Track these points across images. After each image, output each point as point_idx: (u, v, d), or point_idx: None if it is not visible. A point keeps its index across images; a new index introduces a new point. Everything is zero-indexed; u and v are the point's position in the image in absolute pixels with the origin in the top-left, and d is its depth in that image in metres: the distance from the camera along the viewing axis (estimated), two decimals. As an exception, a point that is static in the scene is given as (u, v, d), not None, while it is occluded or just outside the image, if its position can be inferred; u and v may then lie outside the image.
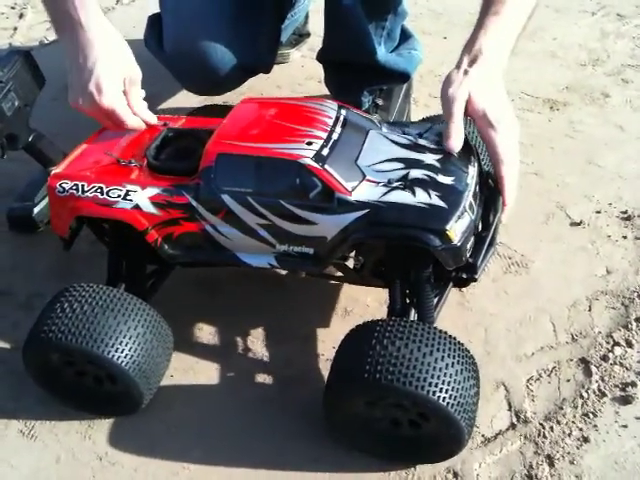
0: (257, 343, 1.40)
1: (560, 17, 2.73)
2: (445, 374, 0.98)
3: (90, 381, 1.16)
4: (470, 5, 1.52)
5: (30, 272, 1.58)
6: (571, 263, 1.62)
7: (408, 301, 1.17)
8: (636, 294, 1.54)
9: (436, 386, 0.96)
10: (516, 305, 1.49)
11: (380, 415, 1.07)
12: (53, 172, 1.24)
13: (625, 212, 1.76)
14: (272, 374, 1.34)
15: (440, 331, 1.06)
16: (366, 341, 1.02)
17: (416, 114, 2.01)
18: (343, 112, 1.23)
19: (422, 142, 1.23)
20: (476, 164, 1.21)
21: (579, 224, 1.73)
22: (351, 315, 1.44)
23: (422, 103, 2.20)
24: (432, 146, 1.22)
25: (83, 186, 1.19)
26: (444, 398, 0.97)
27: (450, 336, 1.07)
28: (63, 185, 1.21)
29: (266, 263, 1.19)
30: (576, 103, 2.19)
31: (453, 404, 0.98)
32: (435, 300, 1.17)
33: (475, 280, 1.16)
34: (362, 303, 1.47)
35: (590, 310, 1.51)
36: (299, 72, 2.35)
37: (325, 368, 1.31)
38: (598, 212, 1.77)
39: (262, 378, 1.34)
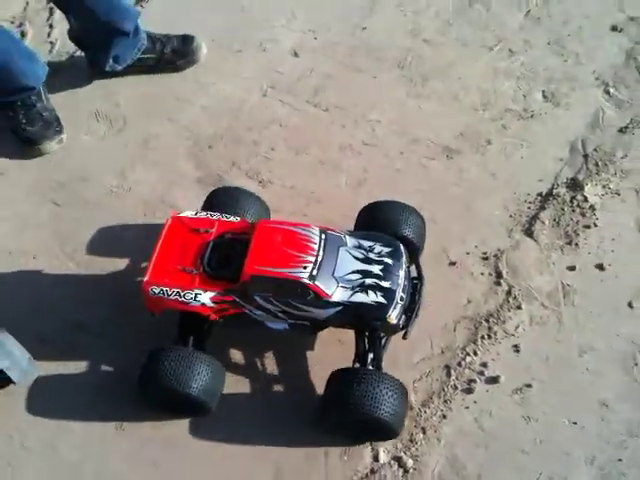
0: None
1: (465, 52, 3.53)
2: (389, 402, 2.03)
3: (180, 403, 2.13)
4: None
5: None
6: (445, 295, 2.62)
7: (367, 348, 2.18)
8: (484, 318, 2.58)
9: (384, 409, 2.01)
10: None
11: (352, 426, 2.12)
12: (145, 279, 2.14)
13: (485, 253, 2.77)
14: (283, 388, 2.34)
15: (385, 374, 2.11)
16: (343, 383, 2.08)
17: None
18: (323, 236, 2.14)
19: (371, 255, 2.19)
20: (405, 268, 2.18)
21: (454, 264, 2.72)
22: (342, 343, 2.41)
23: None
24: (377, 259, 2.19)
25: (167, 291, 2.12)
26: (389, 416, 2.02)
27: (391, 376, 2.12)
28: (154, 290, 2.13)
29: (282, 328, 2.21)
30: (466, 151, 3.10)
31: (394, 419, 2.04)
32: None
33: (406, 339, 2.25)
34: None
35: (455, 330, 2.55)
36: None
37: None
38: (467, 253, 2.77)
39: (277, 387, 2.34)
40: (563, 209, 2.91)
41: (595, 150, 3.12)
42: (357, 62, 3.32)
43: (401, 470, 2.24)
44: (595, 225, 2.86)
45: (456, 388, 2.42)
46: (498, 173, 3.05)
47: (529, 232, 2.83)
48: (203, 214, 2.39)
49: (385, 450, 2.27)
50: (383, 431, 2.19)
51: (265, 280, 2.09)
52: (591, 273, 2.74)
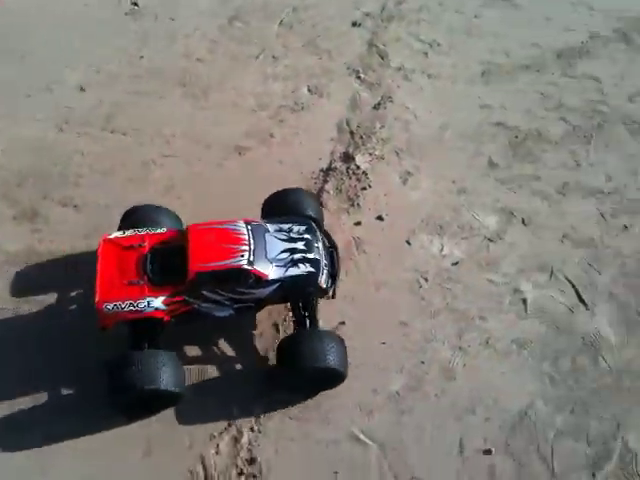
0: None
1: (235, 64, 4.03)
2: (335, 351, 2.66)
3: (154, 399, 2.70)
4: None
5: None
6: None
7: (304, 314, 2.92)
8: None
9: (332, 358, 2.69)
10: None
11: (305, 382, 2.84)
12: (97, 299, 2.53)
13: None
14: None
15: (324, 330, 2.74)
16: (293, 343, 2.80)
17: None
18: (249, 227, 2.68)
19: (292, 235, 2.72)
20: (321, 240, 2.77)
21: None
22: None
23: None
24: (297, 236, 2.73)
25: (120, 305, 2.62)
26: (338, 363, 2.71)
27: (328, 331, 2.76)
28: (107, 306, 2.66)
29: (228, 314, 2.87)
30: (254, 147, 3.59)
31: (343, 365, 2.78)
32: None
33: (334, 298, 2.86)
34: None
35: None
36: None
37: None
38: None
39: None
40: (342, 178, 3.49)
41: (358, 126, 3.76)
42: (142, 87, 3.67)
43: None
44: (370, 186, 3.47)
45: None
46: (284, 160, 3.57)
47: (320, 203, 3.35)
48: (130, 231, 2.72)
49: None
50: (334, 379, 2.72)
51: (210, 274, 2.62)
52: (373, 224, 3.34)
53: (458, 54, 4.21)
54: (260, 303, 2.78)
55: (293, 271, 2.69)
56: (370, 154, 3.65)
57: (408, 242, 3.30)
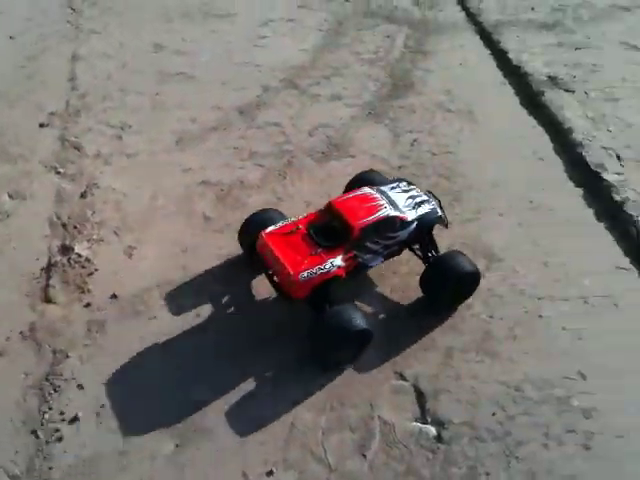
0: None
1: None
2: (467, 259, 3.43)
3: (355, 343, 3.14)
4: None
5: None
6: None
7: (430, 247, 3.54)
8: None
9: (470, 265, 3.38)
10: None
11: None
12: (292, 272, 3.06)
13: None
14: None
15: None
16: (442, 261, 3.44)
17: None
18: (375, 189, 3.43)
19: (403, 188, 3.54)
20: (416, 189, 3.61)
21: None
22: None
23: None
24: (406, 188, 3.55)
25: (312, 271, 3.12)
26: (474, 266, 3.37)
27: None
28: (303, 275, 3.09)
29: (380, 261, 3.41)
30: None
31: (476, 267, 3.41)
32: None
33: (447, 227, 3.59)
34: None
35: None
36: None
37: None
38: (8, 339, 3.09)
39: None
40: (65, 270, 3.47)
41: (69, 218, 3.78)
42: None
43: None
44: (96, 270, 3.49)
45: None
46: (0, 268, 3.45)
47: (49, 299, 3.30)
48: (280, 223, 3.29)
49: None
50: (476, 281, 3.32)
51: (369, 227, 3.23)
52: (108, 303, 3.35)
53: (150, 130, 4.47)
54: (402, 246, 3.41)
55: (421, 210, 3.40)
56: (88, 240, 3.69)
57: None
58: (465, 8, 5.52)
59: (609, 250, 3.73)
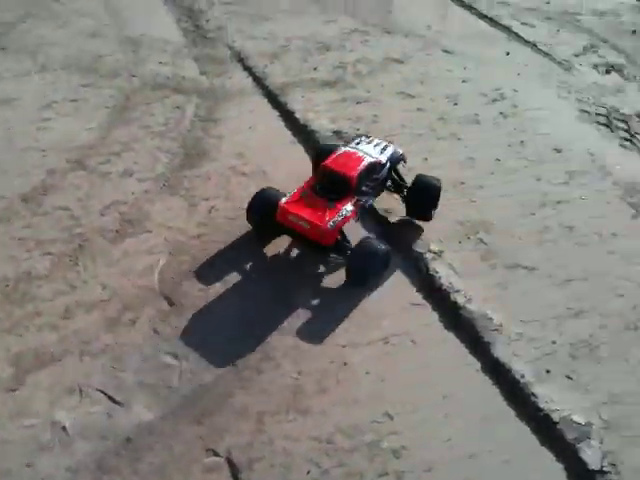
0: None
1: None
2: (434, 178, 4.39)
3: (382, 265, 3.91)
4: None
5: None
6: None
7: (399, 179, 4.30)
8: None
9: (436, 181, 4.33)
10: None
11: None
12: (321, 224, 3.66)
13: None
14: None
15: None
16: (420, 182, 4.29)
17: None
18: (351, 145, 4.16)
19: (368, 140, 4.31)
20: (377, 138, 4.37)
21: None
22: None
23: None
24: (370, 139, 4.30)
25: (335, 219, 3.72)
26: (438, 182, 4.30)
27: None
28: (330, 223, 3.67)
29: (372, 201, 4.07)
30: None
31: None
32: None
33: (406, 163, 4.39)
34: None
35: None
36: None
37: None
38: None
39: None
40: None
41: None
42: None
43: None
44: None
45: None
46: None
47: None
48: (287, 195, 3.83)
49: None
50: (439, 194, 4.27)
51: (361, 174, 3.86)
52: None
53: None
54: (382, 184, 4.15)
55: (387, 153, 4.12)
56: None
57: None
58: (252, 73, 5.71)
59: (404, 288, 3.95)
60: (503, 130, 5.33)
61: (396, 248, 4.17)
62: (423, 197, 4.20)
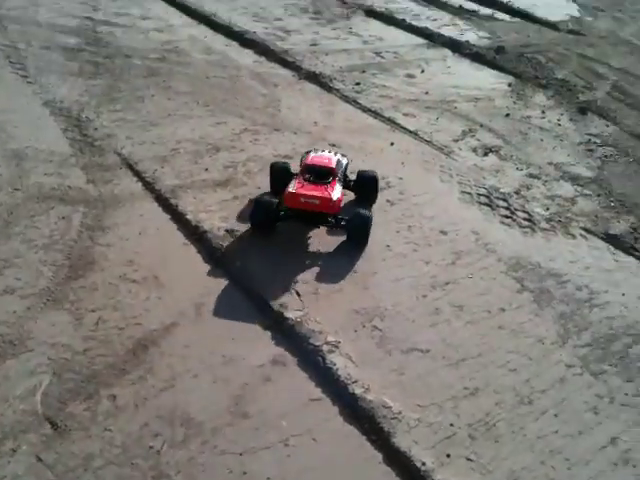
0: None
1: None
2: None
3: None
4: None
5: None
6: None
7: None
8: None
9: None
10: None
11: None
12: (328, 197, 4.86)
13: None
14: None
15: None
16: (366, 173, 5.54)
17: None
18: (315, 150, 5.46)
19: (323, 150, 5.58)
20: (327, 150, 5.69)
21: None
22: None
23: None
24: (324, 150, 5.66)
25: (335, 194, 4.92)
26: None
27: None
28: (333, 197, 4.87)
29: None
30: None
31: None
32: None
33: None
34: None
35: None
36: None
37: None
38: None
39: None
40: None
41: None
42: None
43: None
44: None
45: None
46: None
47: None
48: (291, 185, 4.99)
49: None
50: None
51: (337, 165, 5.15)
52: None
53: None
54: (344, 177, 5.32)
55: (340, 156, 5.36)
56: None
57: None
58: (141, 178, 5.72)
59: (302, 384, 3.90)
60: (391, 217, 5.51)
61: (292, 344, 4.16)
62: (366, 185, 5.45)
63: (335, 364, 4.01)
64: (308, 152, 5.37)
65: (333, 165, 5.12)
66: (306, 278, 4.71)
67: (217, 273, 4.72)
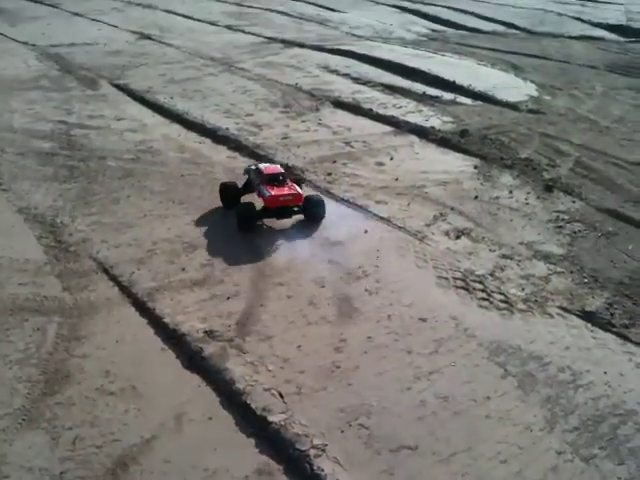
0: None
1: None
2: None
3: None
4: None
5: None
6: None
7: None
8: None
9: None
10: None
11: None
12: (298, 192, 6.56)
13: None
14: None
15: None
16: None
17: None
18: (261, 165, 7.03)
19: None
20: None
21: None
22: None
23: None
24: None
25: (298, 190, 6.58)
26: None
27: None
28: (298, 190, 6.54)
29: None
30: None
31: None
32: None
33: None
34: None
35: None
36: None
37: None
38: None
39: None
40: None
41: None
42: None
43: None
44: None
45: None
46: None
47: None
48: (264, 188, 6.52)
49: None
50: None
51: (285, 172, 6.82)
52: None
53: None
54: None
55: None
56: None
57: None
58: (118, 283, 5.67)
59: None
60: (370, 306, 5.50)
61: (277, 450, 4.04)
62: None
63: (323, 470, 3.90)
64: (248, 170, 6.90)
65: (283, 170, 6.75)
66: (288, 376, 4.62)
67: (196, 379, 4.62)
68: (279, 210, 6.43)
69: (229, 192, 6.86)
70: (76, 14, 17.39)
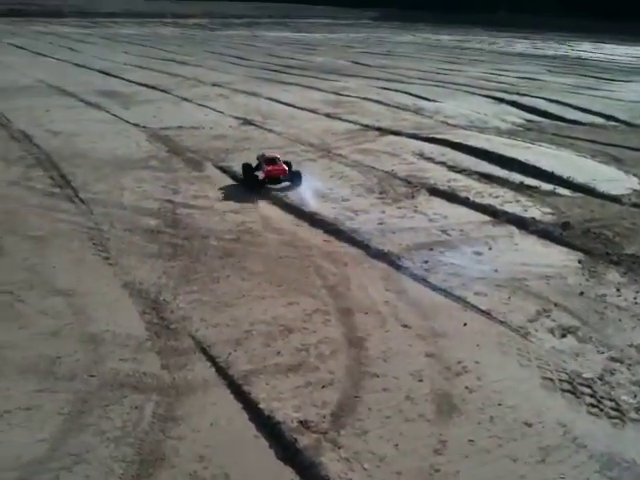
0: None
1: None
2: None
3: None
4: None
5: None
6: None
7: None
8: None
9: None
10: None
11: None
12: (284, 166, 9.96)
13: None
14: None
15: None
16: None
17: None
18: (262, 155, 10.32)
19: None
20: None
21: None
22: None
23: None
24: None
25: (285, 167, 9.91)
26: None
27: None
28: (286, 168, 10.32)
29: None
30: None
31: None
32: None
33: None
34: None
35: None
36: None
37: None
38: None
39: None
40: None
41: None
42: None
43: None
44: None
45: None
46: None
47: None
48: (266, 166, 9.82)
49: None
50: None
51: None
52: None
53: None
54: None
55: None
56: None
57: None
58: (215, 363, 5.65)
59: None
60: (471, 406, 5.22)
61: None
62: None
63: None
64: (258, 157, 10.07)
65: (277, 155, 9.80)
66: (384, 476, 4.36)
67: (289, 472, 4.44)
68: (272, 179, 9.68)
69: (248, 169, 9.94)
70: (185, 99, 18.43)
